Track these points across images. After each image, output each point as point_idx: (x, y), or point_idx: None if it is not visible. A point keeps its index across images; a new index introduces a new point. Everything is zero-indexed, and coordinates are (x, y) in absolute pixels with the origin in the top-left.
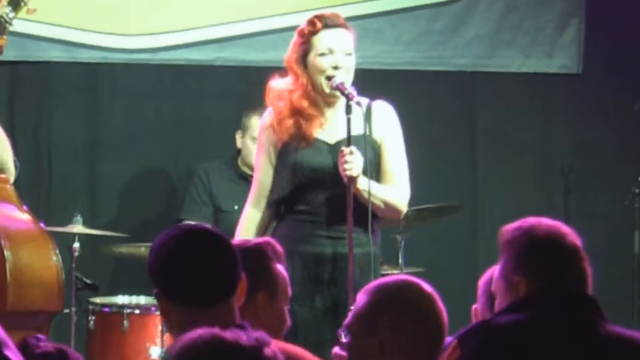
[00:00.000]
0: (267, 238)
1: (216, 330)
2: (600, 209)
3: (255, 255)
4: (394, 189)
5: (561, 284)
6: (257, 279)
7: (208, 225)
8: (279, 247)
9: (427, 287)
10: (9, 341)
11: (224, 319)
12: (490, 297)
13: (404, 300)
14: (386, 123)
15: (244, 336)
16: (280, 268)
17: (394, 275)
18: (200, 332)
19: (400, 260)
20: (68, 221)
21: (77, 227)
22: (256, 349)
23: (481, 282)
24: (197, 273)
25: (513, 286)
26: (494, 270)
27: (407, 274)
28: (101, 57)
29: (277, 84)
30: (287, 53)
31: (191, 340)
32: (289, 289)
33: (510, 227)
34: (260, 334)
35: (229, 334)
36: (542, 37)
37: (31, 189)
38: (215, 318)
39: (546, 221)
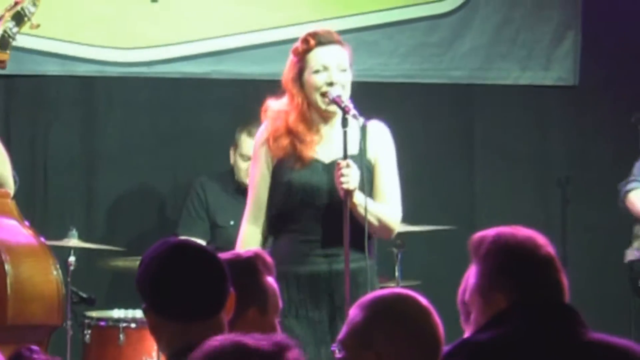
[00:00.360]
0: (256, 250)
1: (237, 337)
2: (598, 220)
3: (246, 269)
4: (387, 207)
5: (538, 296)
6: (248, 294)
7: (196, 240)
8: (268, 258)
9: (422, 300)
10: None
11: (213, 334)
12: (465, 308)
13: (399, 314)
14: (381, 143)
15: (264, 341)
16: (270, 280)
17: (389, 288)
18: (220, 339)
19: (397, 274)
20: (64, 235)
21: (73, 241)
22: (277, 354)
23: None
24: (185, 288)
25: (492, 302)
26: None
27: (403, 287)
28: (97, 71)
29: (274, 104)
30: (285, 73)
31: (213, 347)
32: (279, 300)
33: (482, 237)
34: (281, 338)
35: (250, 340)
36: (538, 49)
37: (27, 202)
38: (205, 333)
39: (520, 232)
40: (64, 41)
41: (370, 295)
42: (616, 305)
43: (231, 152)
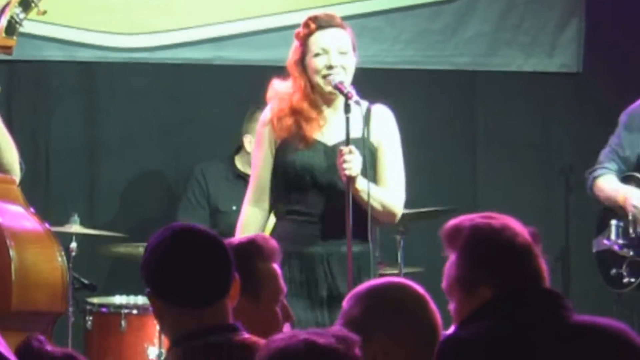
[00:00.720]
0: (254, 236)
1: (304, 334)
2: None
3: (237, 257)
4: (391, 192)
5: (520, 285)
6: None
7: (201, 225)
8: (268, 244)
9: (418, 288)
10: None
11: (216, 320)
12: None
13: (396, 304)
14: (384, 127)
15: (332, 338)
16: (265, 267)
17: (386, 277)
18: (285, 338)
19: (399, 260)
20: (65, 221)
21: (75, 227)
22: (347, 350)
23: None
24: (189, 273)
25: (474, 294)
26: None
27: (406, 274)
28: (98, 56)
29: (279, 85)
30: (289, 57)
31: (280, 348)
32: (281, 286)
33: (457, 227)
34: (341, 332)
35: (319, 338)
36: (542, 36)
37: (29, 189)
38: (208, 318)
39: (496, 221)
40: (65, 26)
41: (365, 286)
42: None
43: (246, 140)
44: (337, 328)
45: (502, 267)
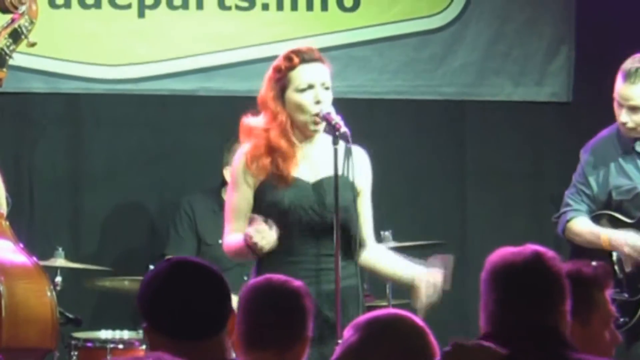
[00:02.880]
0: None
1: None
2: None
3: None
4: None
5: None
6: None
7: (198, 259)
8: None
9: (417, 320)
10: None
11: (213, 354)
12: None
13: (395, 334)
14: (366, 172)
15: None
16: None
17: (382, 308)
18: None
19: (387, 292)
20: (50, 254)
21: (59, 261)
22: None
23: None
24: (185, 307)
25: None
26: None
27: (395, 306)
28: (82, 88)
29: (251, 122)
30: (262, 91)
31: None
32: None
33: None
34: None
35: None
36: (531, 64)
37: (12, 222)
38: (205, 353)
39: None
40: (49, 58)
41: (365, 316)
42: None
43: (225, 172)
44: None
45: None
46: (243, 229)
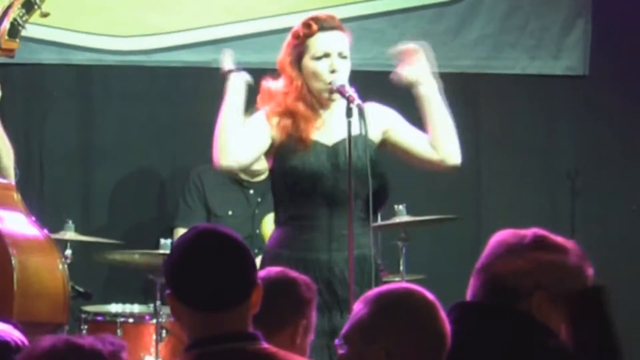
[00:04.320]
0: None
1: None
2: (607, 213)
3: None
4: None
5: None
6: None
7: (226, 228)
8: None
9: (429, 295)
10: None
11: (234, 327)
12: None
13: (406, 309)
14: (382, 115)
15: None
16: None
17: (395, 282)
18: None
19: (401, 267)
20: (60, 227)
21: (69, 234)
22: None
23: None
24: (207, 276)
25: None
26: None
27: (408, 281)
28: (94, 59)
29: (270, 85)
30: (280, 55)
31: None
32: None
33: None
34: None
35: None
36: (547, 38)
37: (22, 194)
38: (226, 324)
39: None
40: (60, 29)
41: (376, 290)
42: (626, 299)
43: None
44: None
45: None
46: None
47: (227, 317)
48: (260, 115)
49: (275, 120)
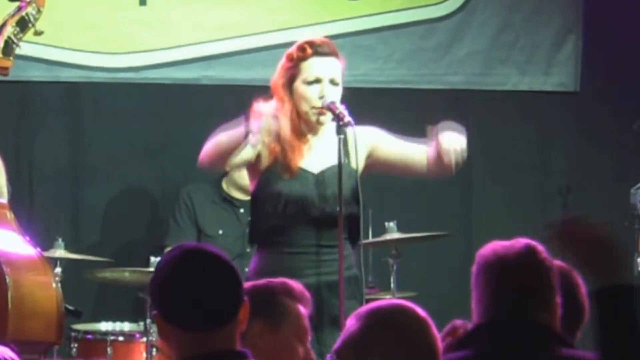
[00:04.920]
0: (285, 279)
1: None
2: None
3: (262, 293)
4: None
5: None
6: (258, 306)
7: (211, 247)
8: (300, 288)
9: (420, 311)
10: None
11: (222, 345)
12: None
13: (397, 325)
14: (364, 136)
15: None
16: (292, 304)
17: (386, 299)
18: None
19: (392, 285)
20: (50, 245)
21: (59, 252)
22: None
23: None
24: (194, 296)
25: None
26: None
27: (399, 298)
28: (83, 76)
29: (262, 107)
30: (274, 76)
31: None
32: (305, 327)
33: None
34: None
35: None
36: (538, 54)
37: (12, 211)
38: (214, 343)
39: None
40: (49, 45)
41: (368, 306)
42: None
43: None
44: None
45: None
46: None
47: (215, 335)
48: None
49: (267, 139)
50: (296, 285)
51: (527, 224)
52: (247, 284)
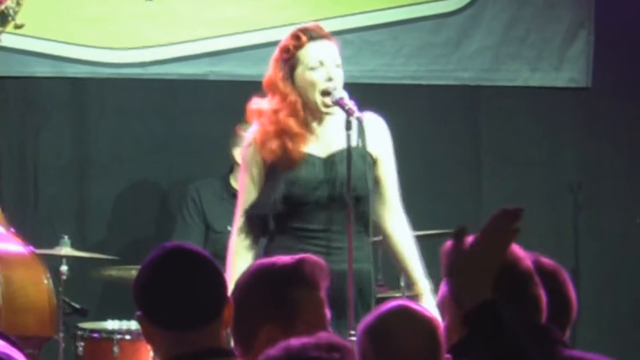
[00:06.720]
0: (300, 257)
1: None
2: (610, 227)
3: (275, 282)
4: (404, 222)
5: (513, 311)
6: (262, 310)
7: (193, 245)
8: (309, 269)
9: (427, 312)
10: None
11: (208, 343)
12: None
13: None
14: (381, 139)
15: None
16: (305, 294)
17: (396, 299)
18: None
19: (401, 283)
20: (55, 243)
21: (65, 250)
22: None
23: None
24: (177, 296)
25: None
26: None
27: (408, 297)
28: (89, 72)
29: (259, 105)
30: (268, 72)
31: None
32: (322, 316)
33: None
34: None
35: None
36: (549, 49)
37: (17, 210)
38: (199, 342)
39: None
40: (55, 41)
41: (375, 320)
42: (629, 313)
43: (235, 153)
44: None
45: (500, 290)
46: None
47: (200, 334)
48: (247, 155)
49: (262, 143)
50: (308, 265)
51: (538, 221)
52: (249, 282)
